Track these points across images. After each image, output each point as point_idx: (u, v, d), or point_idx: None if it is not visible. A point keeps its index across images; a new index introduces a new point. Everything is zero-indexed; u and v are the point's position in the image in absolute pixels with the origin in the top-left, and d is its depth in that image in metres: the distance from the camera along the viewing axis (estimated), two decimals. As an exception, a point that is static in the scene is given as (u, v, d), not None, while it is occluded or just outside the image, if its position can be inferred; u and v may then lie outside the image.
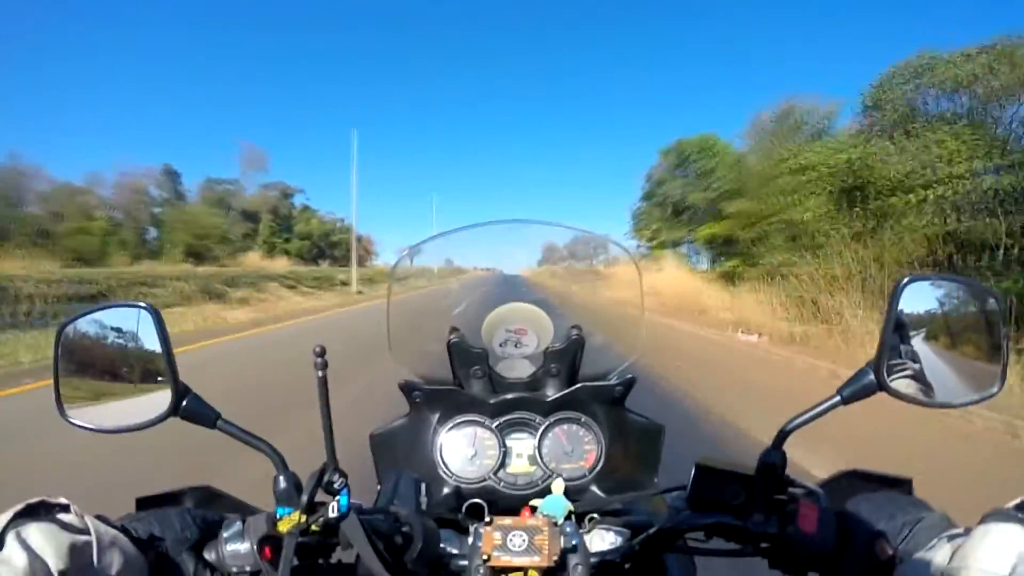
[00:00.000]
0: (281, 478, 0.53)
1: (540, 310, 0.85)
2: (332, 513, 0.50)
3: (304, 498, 0.50)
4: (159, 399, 0.54)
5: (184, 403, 0.54)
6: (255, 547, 0.51)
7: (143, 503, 0.55)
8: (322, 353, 0.53)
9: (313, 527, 0.50)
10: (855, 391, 0.54)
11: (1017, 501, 0.39)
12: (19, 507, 0.39)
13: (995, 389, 0.55)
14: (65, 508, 0.41)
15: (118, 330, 0.56)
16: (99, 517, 0.44)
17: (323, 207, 47.86)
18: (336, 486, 0.52)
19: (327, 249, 41.91)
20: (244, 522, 0.53)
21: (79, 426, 0.54)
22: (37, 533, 0.38)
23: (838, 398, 0.54)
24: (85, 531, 0.41)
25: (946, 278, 0.57)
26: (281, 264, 30.66)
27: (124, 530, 0.46)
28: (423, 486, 0.63)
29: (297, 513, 0.50)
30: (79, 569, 0.39)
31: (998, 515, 0.38)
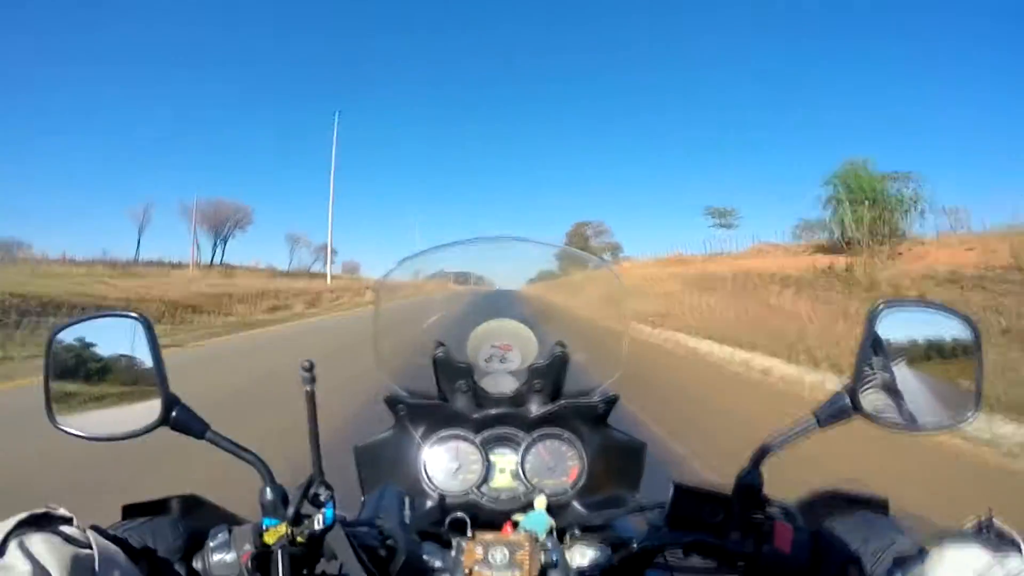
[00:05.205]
0: (268, 489, 0.53)
1: (525, 326, 0.85)
2: (317, 525, 0.51)
3: (291, 510, 0.51)
4: (149, 408, 0.54)
5: (174, 413, 0.54)
6: (241, 557, 0.52)
7: (129, 511, 0.55)
8: (310, 368, 0.54)
9: (299, 538, 0.51)
10: (830, 415, 0.55)
11: (972, 522, 0.40)
12: (23, 516, 0.39)
13: (970, 415, 0.56)
14: (68, 521, 0.41)
15: (109, 339, 0.56)
16: (95, 528, 0.44)
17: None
18: (322, 499, 0.52)
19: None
20: (230, 532, 0.53)
21: (70, 433, 0.54)
22: (40, 543, 0.38)
23: (814, 421, 0.55)
24: (87, 545, 0.41)
25: (922, 303, 0.58)
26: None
27: (120, 540, 0.47)
28: (407, 500, 0.63)
29: (283, 525, 0.51)
30: None
31: (954, 537, 0.39)
